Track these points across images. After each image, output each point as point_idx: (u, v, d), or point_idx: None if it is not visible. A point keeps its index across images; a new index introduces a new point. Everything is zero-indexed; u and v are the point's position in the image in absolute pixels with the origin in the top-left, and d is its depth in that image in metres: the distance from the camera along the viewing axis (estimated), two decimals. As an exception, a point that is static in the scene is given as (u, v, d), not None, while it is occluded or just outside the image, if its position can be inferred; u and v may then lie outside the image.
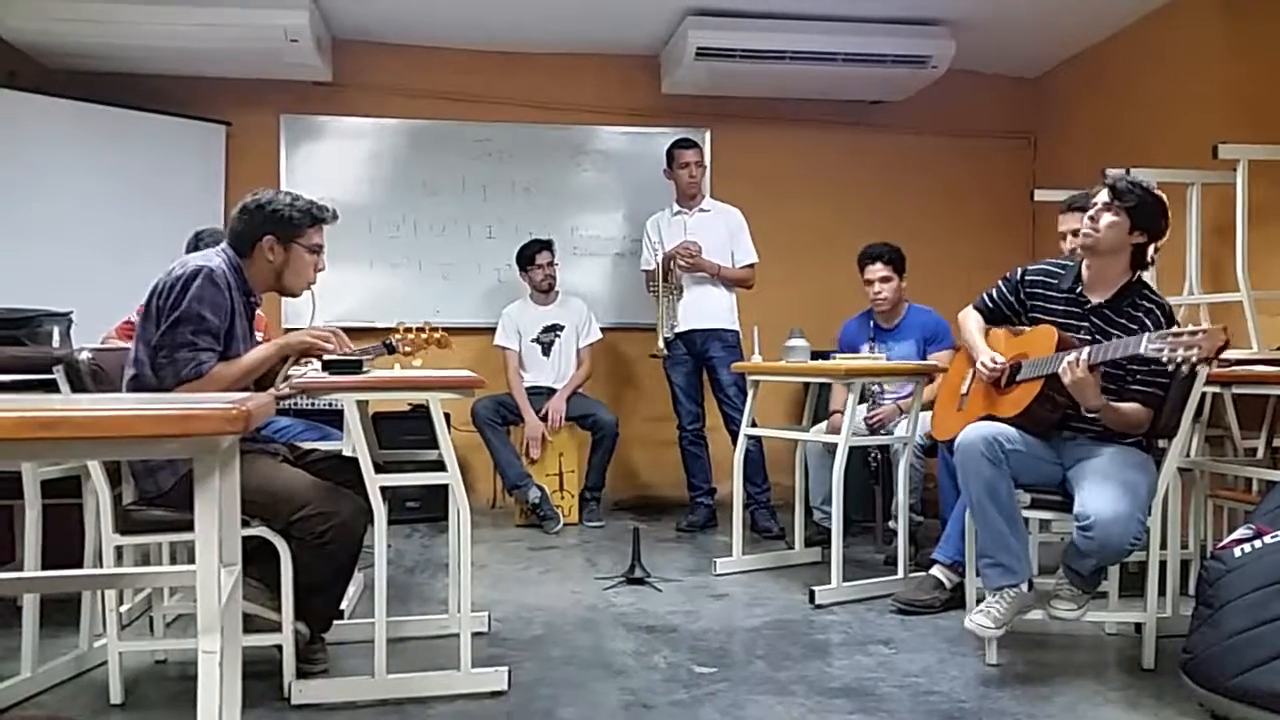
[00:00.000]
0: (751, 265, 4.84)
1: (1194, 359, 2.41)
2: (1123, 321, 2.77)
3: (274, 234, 2.65)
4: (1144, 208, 2.75)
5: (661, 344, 4.73)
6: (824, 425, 4.19)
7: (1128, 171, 4.20)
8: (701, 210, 4.89)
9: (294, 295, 2.82)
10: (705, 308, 4.78)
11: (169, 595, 2.99)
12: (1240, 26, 4.46)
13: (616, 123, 5.76)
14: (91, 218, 4.74)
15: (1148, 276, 4.20)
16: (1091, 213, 2.79)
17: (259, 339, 2.83)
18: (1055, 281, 2.96)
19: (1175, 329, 2.49)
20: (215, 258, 2.60)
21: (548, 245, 5.17)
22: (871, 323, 4.32)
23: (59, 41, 4.68)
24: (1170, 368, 2.47)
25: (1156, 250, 2.87)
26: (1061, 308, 2.90)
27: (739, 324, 4.77)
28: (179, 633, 2.95)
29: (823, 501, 4.04)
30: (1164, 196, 2.80)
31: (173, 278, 2.52)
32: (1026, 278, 3.03)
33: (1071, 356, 2.63)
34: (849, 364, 3.76)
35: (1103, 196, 2.78)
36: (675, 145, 4.91)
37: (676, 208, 4.93)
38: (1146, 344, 2.49)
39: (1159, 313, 2.75)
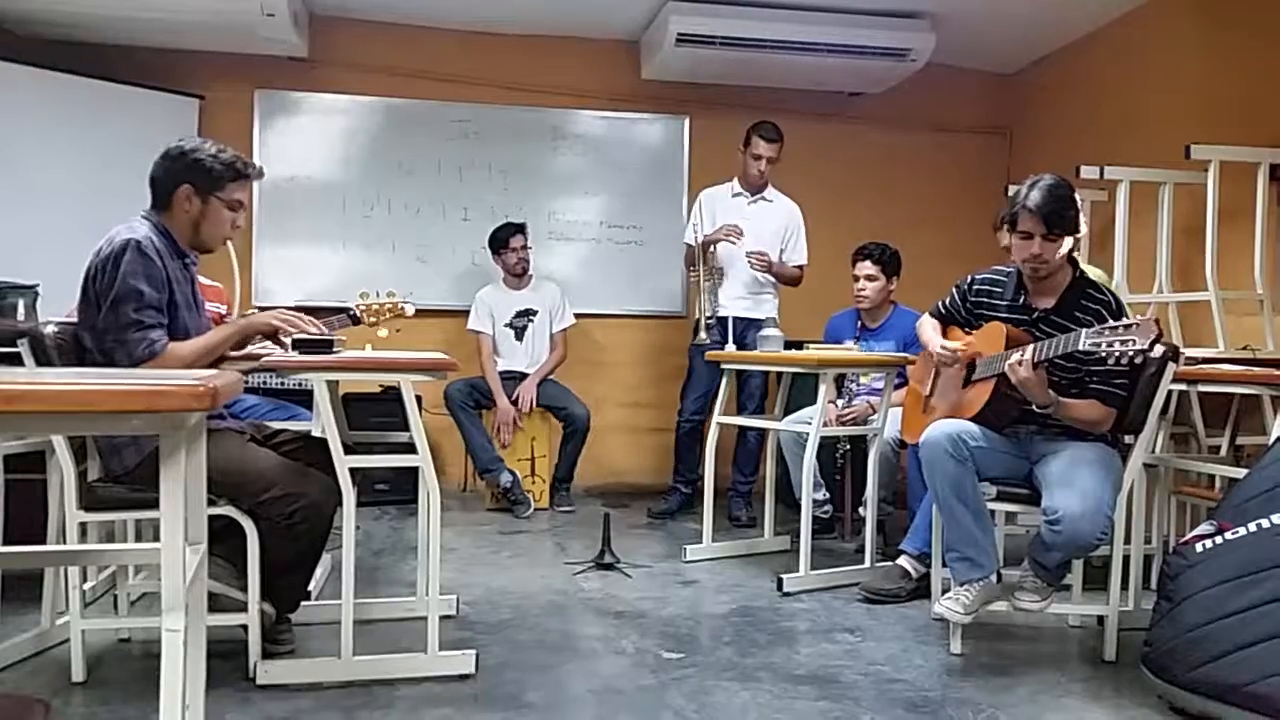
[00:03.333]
0: (802, 268, 4.74)
1: (1130, 351, 2.44)
2: (1071, 326, 2.75)
3: (191, 184, 2.57)
4: (1074, 217, 2.75)
5: (703, 333, 4.55)
6: (801, 415, 4.20)
7: (1099, 172, 4.28)
8: (764, 199, 4.75)
9: (209, 251, 2.70)
10: (749, 297, 4.66)
11: (133, 573, 2.95)
12: (1214, 28, 4.50)
13: (596, 107, 5.74)
14: (59, 189, 4.65)
15: (1118, 270, 4.32)
16: (1034, 249, 2.75)
17: (219, 311, 2.77)
18: (1000, 290, 2.98)
19: (1110, 324, 2.51)
20: (140, 226, 2.52)
21: (521, 229, 5.13)
22: (859, 321, 4.34)
23: (29, 7, 4.58)
24: (1110, 362, 2.50)
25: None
26: (1008, 316, 2.92)
27: (779, 316, 4.61)
28: (143, 611, 2.93)
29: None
30: (1069, 182, 2.79)
31: (101, 258, 2.45)
32: (974, 286, 3.06)
33: (1015, 356, 2.66)
34: (821, 354, 3.77)
35: (1035, 228, 2.73)
36: (756, 131, 4.65)
37: (737, 188, 4.76)
38: (1085, 339, 2.52)
39: (1106, 311, 2.76)
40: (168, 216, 2.59)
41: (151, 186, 2.60)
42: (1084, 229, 2.82)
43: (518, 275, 5.15)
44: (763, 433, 4.52)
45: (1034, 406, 2.73)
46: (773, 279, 4.69)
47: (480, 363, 5.05)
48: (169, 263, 2.53)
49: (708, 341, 4.54)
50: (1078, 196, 2.79)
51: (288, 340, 2.65)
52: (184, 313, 2.56)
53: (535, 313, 5.16)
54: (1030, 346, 2.66)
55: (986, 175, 5.94)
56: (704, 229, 4.66)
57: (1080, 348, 2.53)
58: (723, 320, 4.53)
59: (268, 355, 2.69)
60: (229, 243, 2.77)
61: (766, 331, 3.98)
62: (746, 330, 4.55)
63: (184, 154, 2.58)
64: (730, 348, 4.30)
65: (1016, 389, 2.71)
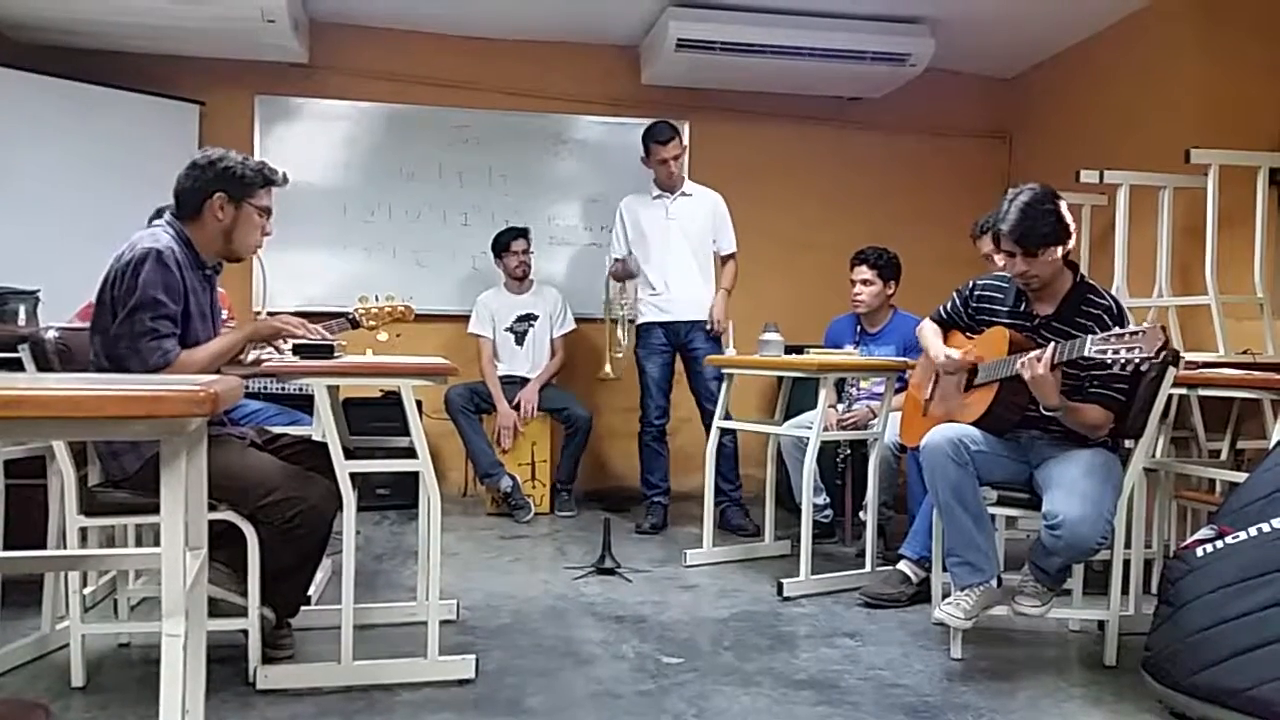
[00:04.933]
0: (733, 255, 4.72)
1: (1136, 359, 2.44)
2: (1073, 331, 2.76)
3: (225, 191, 2.56)
4: (1057, 232, 2.74)
5: (608, 368, 4.60)
6: (801, 419, 4.19)
7: (1099, 176, 4.28)
8: (684, 195, 4.70)
9: (240, 259, 2.70)
10: (690, 298, 4.63)
11: (134, 578, 2.96)
12: (1214, 32, 4.50)
13: (596, 112, 5.74)
14: (60, 195, 4.66)
15: (1118, 274, 4.32)
16: (1019, 266, 2.77)
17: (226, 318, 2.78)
18: (1002, 296, 2.99)
19: (1116, 331, 2.52)
20: (163, 235, 2.51)
21: (524, 233, 5.14)
22: (858, 325, 4.34)
23: (29, 14, 4.59)
24: (1115, 369, 2.50)
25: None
26: (1010, 321, 2.92)
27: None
28: (143, 616, 2.92)
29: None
30: (1050, 191, 2.78)
31: (122, 264, 2.45)
32: (975, 292, 3.06)
33: (1033, 354, 2.66)
34: (822, 358, 3.78)
35: (1013, 248, 2.75)
36: (650, 137, 4.59)
37: (656, 191, 4.72)
38: (1090, 346, 2.52)
39: (1108, 316, 2.77)
40: (195, 227, 2.59)
41: (178, 199, 2.59)
42: (1072, 229, 2.80)
43: (518, 279, 5.15)
44: (735, 435, 4.50)
45: (1041, 409, 2.72)
46: (708, 275, 4.67)
47: (480, 367, 5.05)
48: (188, 274, 2.53)
49: (619, 354, 4.62)
50: (1064, 204, 2.77)
51: (286, 347, 2.67)
52: (196, 324, 2.56)
53: (536, 317, 5.17)
54: (1050, 346, 2.65)
55: (986, 179, 5.93)
56: (624, 238, 4.73)
57: (1086, 354, 2.53)
58: (664, 325, 4.62)
59: (268, 361, 2.70)
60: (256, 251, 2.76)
61: (766, 336, 3.98)
62: (691, 331, 4.60)
63: (212, 163, 2.58)
64: (732, 351, 4.29)
65: (1020, 391, 2.71)
